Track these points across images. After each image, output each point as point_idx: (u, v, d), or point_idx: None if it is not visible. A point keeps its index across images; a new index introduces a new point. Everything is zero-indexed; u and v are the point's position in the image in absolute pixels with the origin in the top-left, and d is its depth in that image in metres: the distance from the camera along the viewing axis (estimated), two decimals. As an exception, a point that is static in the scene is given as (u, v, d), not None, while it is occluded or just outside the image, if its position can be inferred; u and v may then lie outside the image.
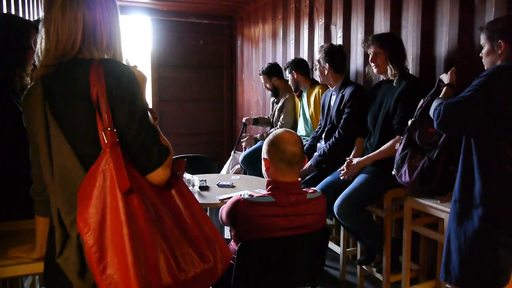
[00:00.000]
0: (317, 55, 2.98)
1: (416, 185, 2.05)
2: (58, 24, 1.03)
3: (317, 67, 2.91)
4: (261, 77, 3.91)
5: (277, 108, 3.84)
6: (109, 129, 0.98)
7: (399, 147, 2.14)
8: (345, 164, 2.50)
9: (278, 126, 3.76)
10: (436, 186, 1.99)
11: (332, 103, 2.91)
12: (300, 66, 3.43)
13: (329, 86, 2.96)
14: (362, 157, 2.47)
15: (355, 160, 2.48)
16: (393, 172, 2.14)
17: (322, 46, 2.96)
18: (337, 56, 2.87)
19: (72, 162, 1.03)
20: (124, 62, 1.12)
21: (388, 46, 2.38)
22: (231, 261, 1.64)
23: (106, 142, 0.98)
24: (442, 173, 1.94)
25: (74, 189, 1.01)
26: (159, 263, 0.98)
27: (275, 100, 3.96)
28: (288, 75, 3.52)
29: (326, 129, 2.91)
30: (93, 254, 0.95)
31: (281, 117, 3.75)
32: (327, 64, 2.84)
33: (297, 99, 3.63)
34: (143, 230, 0.97)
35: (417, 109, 2.09)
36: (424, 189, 2.07)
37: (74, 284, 1.05)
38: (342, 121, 2.74)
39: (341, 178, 2.51)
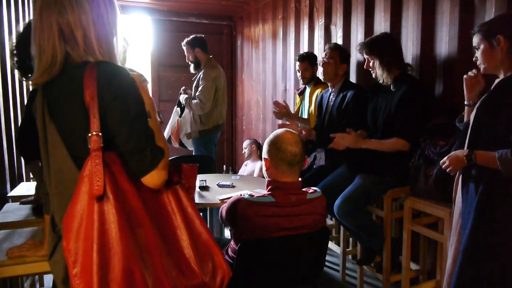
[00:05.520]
0: (323, 54, 2.92)
1: (433, 193, 2.10)
2: (38, 30, 1.02)
3: (330, 64, 2.80)
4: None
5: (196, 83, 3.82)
6: (95, 133, 0.98)
7: (413, 162, 2.23)
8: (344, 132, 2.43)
9: (197, 100, 3.72)
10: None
11: (331, 103, 2.89)
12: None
13: (330, 86, 2.94)
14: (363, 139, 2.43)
15: (354, 135, 2.41)
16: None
17: (336, 44, 2.92)
18: (349, 59, 2.91)
19: (68, 166, 1.02)
20: (120, 63, 1.10)
21: (377, 52, 2.36)
22: (230, 261, 1.65)
23: (90, 146, 0.98)
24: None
25: (72, 194, 1.00)
26: (134, 276, 0.95)
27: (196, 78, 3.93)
28: (301, 67, 3.30)
29: (324, 129, 2.89)
30: (69, 258, 0.95)
31: (198, 92, 3.74)
32: (345, 64, 2.84)
33: (298, 98, 3.62)
34: (115, 240, 0.95)
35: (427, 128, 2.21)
36: (441, 196, 2.09)
37: None
38: (346, 122, 2.70)
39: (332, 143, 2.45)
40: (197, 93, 3.72)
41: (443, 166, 1.75)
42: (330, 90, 2.94)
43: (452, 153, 1.72)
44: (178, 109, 3.98)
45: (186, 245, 1.05)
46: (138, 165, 1.01)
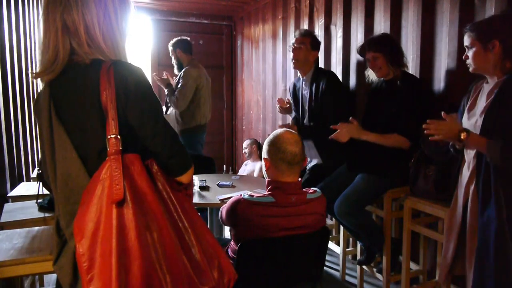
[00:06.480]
0: (293, 40, 2.85)
1: (433, 193, 2.10)
2: (44, 25, 1.01)
3: (301, 50, 2.75)
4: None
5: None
6: (113, 136, 0.95)
7: (413, 162, 2.20)
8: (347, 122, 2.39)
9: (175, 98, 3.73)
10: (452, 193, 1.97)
11: (305, 93, 2.83)
12: None
13: (300, 74, 2.87)
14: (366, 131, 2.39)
15: (357, 124, 2.37)
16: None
17: (307, 31, 2.88)
18: (319, 46, 2.88)
19: (77, 169, 0.99)
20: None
21: (385, 49, 2.35)
22: (231, 261, 1.65)
23: (108, 149, 0.96)
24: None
25: (78, 198, 0.97)
26: (152, 283, 0.93)
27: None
28: None
29: (304, 121, 2.86)
30: (83, 263, 0.92)
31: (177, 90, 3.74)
32: (316, 51, 2.81)
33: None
34: (134, 245, 0.92)
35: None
36: (441, 196, 2.08)
37: None
38: (330, 117, 2.63)
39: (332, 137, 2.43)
40: (176, 91, 3.78)
41: (424, 126, 1.67)
42: (301, 78, 2.89)
43: (447, 121, 1.65)
44: (164, 107, 3.99)
45: (195, 249, 1.05)
46: (183, 162, 1.06)
